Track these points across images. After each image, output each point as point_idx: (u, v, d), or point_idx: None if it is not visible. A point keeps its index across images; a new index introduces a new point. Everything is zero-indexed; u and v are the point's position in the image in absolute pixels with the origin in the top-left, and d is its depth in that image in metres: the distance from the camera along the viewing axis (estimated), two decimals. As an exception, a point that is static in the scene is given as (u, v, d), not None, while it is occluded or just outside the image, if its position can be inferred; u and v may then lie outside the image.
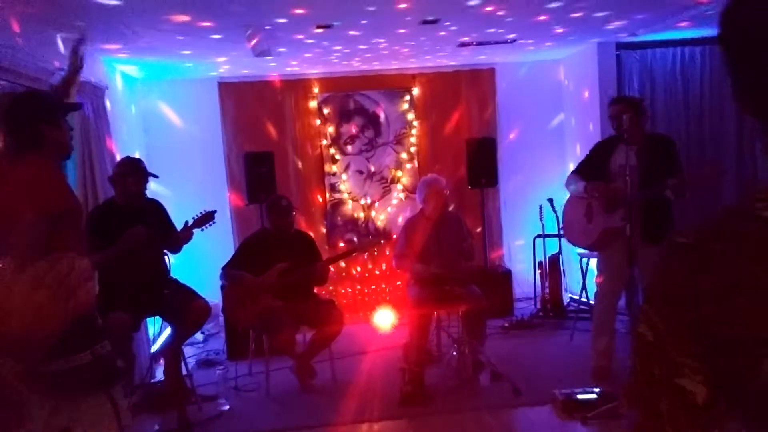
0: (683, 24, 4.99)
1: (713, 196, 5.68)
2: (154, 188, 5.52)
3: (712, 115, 5.72)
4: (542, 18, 4.50)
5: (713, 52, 5.68)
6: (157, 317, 4.69)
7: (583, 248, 4.35)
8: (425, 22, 4.36)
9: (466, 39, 5.07)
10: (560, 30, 4.99)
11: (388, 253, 6.12)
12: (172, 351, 4.16)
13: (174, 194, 6.10)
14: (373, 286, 6.49)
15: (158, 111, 6.19)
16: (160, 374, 4.66)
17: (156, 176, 4.13)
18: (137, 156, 4.72)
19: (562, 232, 4.63)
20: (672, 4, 4.27)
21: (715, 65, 5.70)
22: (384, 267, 6.45)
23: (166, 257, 4.10)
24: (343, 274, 6.48)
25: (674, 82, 5.69)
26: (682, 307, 0.77)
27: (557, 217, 5.51)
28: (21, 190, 2.21)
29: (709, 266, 0.75)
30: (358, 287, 6.50)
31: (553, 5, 4.17)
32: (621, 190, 3.69)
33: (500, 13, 4.24)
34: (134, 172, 3.93)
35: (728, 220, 0.78)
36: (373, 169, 6.48)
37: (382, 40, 4.90)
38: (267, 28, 4.06)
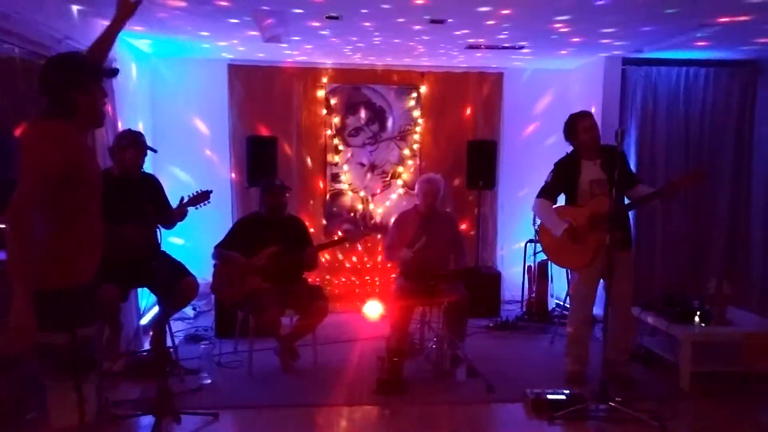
0: (701, 43, 5.03)
1: (709, 208, 5.86)
2: (158, 161, 5.63)
3: (711, 132, 5.82)
4: (551, 28, 4.58)
5: (717, 74, 5.75)
6: (148, 290, 4.80)
7: (577, 268, 4.25)
8: (433, 22, 4.42)
9: (479, 41, 5.13)
10: (570, 40, 5.04)
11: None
12: (159, 323, 4.27)
13: (177, 170, 6.23)
14: (367, 278, 6.60)
15: (167, 86, 6.26)
16: (148, 345, 4.78)
17: (155, 150, 4.21)
18: (141, 129, 4.82)
19: (546, 257, 4.64)
20: (677, 21, 4.31)
21: (718, 86, 5.77)
22: (379, 260, 6.54)
23: (158, 231, 4.19)
24: (336, 264, 6.58)
25: (676, 99, 5.77)
26: None
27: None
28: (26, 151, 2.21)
29: None
30: (353, 278, 6.60)
31: (562, 17, 4.25)
32: (600, 212, 3.89)
33: (510, 20, 4.33)
34: (133, 145, 3.99)
35: None
36: (375, 162, 6.57)
37: (392, 36, 4.96)
38: (265, 9, 4.09)
